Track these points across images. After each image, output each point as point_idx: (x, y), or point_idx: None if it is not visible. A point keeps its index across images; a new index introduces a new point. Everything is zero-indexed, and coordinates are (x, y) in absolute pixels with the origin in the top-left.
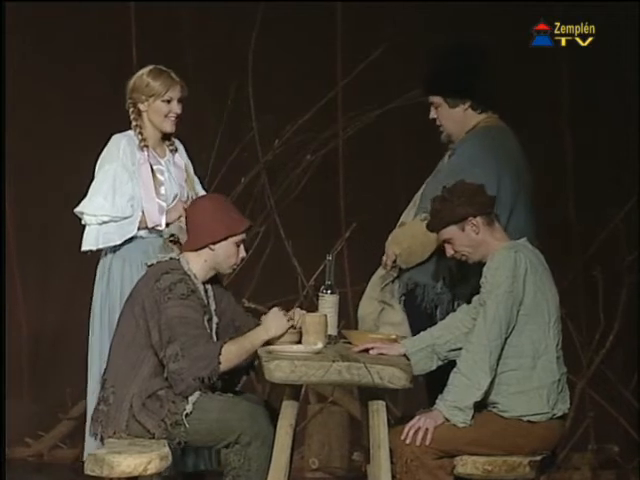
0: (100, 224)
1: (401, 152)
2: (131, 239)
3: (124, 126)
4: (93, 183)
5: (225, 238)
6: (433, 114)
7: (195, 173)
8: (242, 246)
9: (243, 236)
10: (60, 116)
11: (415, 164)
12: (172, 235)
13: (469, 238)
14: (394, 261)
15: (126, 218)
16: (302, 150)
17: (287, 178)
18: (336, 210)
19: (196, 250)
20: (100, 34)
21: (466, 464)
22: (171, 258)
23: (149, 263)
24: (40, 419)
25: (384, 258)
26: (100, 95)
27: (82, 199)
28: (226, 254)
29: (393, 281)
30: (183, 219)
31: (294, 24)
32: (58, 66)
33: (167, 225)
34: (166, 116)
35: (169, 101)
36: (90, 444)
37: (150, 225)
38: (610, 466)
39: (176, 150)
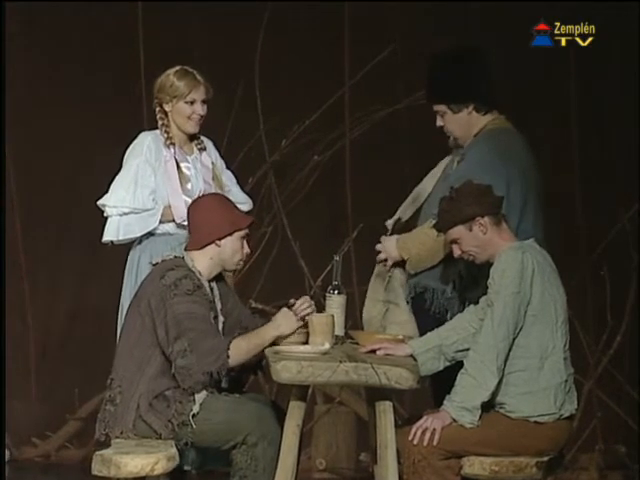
0: (121, 215)
1: (408, 152)
2: (159, 235)
3: (130, 125)
4: (116, 177)
5: (231, 233)
6: (439, 122)
7: (228, 168)
8: (246, 242)
9: (247, 231)
10: (68, 116)
11: (422, 164)
12: None
13: (477, 238)
14: (398, 263)
15: (147, 210)
16: (309, 150)
17: (294, 178)
18: (343, 210)
19: (201, 248)
20: (107, 33)
21: (473, 464)
22: (175, 256)
23: (153, 262)
24: (47, 419)
25: (381, 256)
26: (107, 94)
27: (93, 198)
28: (232, 249)
29: (389, 279)
30: None
31: (302, 24)
32: (64, 65)
33: None
34: (189, 117)
35: (192, 102)
36: None
37: (178, 220)
38: (617, 467)
39: (204, 149)
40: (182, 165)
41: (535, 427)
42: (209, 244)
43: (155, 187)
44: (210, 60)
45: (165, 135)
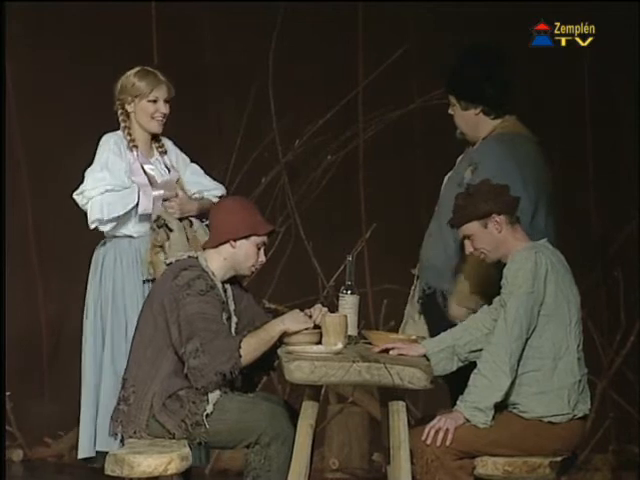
0: (102, 193)
1: (421, 153)
2: (122, 237)
3: None
4: (89, 168)
5: (247, 236)
6: (450, 111)
7: (193, 161)
8: (262, 250)
9: (265, 239)
10: (80, 116)
11: (435, 164)
12: (158, 218)
13: (491, 236)
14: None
15: (126, 188)
16: (322, 150)
17: (307, 178)
18: (356, 210)
19: (217, 246)
20: (121, 34)
21: (486, 465)
22: (189, 256)
23: (167, 262)
24: (60, 419)
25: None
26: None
27: None
28: (246, 253)
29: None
30: (169, 203)
31: (315, 24)
32: (77, 66)
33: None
34: (152, 116)
35: (155, 101)
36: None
37: (140, 210)
38: (631, 467)
39: (165, 152)
40: (146, 167)
41: (548, 427)
42: (224, 243)
43: (126, 169)
44: (224, 61)
45: (128, 137)
